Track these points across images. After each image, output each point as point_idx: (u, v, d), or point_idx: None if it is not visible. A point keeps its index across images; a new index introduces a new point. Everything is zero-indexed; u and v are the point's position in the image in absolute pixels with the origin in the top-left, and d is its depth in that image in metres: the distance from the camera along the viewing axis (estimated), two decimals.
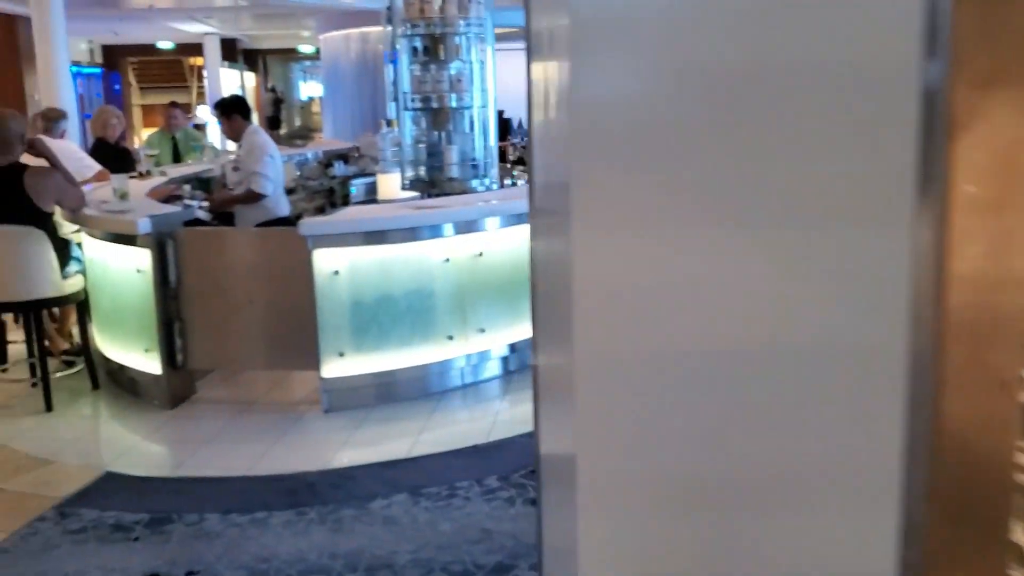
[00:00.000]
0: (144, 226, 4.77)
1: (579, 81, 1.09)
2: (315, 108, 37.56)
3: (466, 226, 5.15)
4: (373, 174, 9.47)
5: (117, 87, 25.76)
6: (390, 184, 7.31)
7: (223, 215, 6.62)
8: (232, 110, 6.17)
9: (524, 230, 5.41)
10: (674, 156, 0.85)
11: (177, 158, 9.31)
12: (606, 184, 1.03)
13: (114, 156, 8.16)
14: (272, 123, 29.39)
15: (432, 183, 6.20)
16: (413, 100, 6.13)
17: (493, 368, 5.46)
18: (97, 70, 24.43)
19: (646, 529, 1.00)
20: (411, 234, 4.95)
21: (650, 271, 0.92)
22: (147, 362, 5.06)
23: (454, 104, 6.07)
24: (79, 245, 5.49)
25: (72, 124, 10.83)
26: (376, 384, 5.02)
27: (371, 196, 9.32)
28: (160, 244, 4.90)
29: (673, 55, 0.85)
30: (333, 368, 4.90)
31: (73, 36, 21.07)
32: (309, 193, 8.92)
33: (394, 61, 6.44)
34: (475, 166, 6.24)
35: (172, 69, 29.09)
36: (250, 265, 5.01)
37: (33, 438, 4.67)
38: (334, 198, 9.26)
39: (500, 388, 5.31)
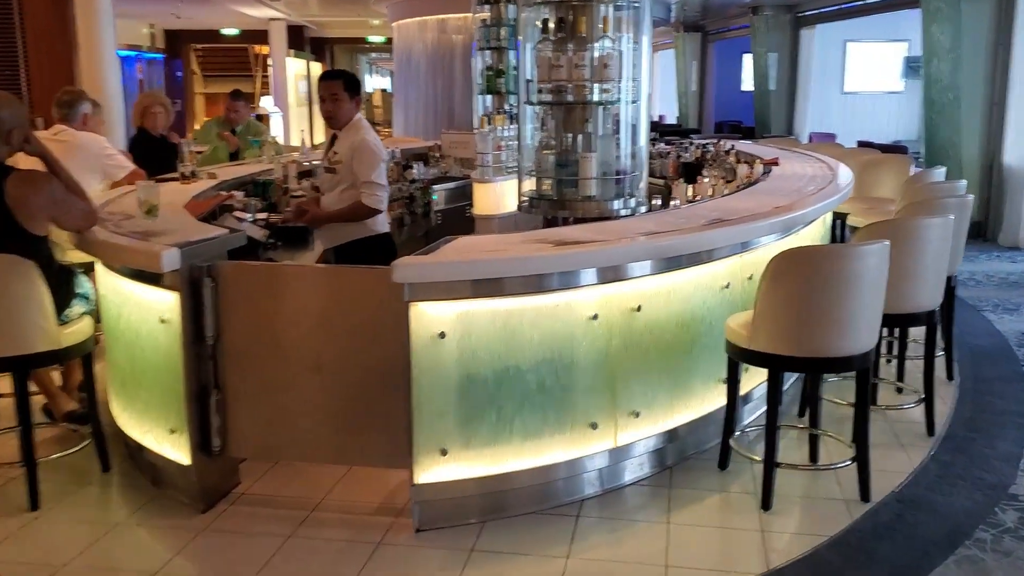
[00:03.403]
0: (170, 260, 3.33)
1: None
2: (376, 101, 36.59)
3: (616, 271, 3.63)
4: (458, 178, 8.04)
5: (179, 74, 24.76)
6: (491, 197, 5.83)
7: (285, 234, 5.19)
8: (355, 89, 4.70)
9: (690, 275, 3.90)
10: None
11: (237, 155, 7.94)
12: None
13: (158, 152, 6.83)
14: None
15: (560, 202, 4.68)
16: (540, 91, 4.62)
17: (643, 465, 3.94)
18: (159, 56, 23.40)
19: None
20: (545, 281, 3.45)
21: None
22: (172, 446, 3.63)
23: (596, 97, 4.54)
24: (87, 274, 4.09)
25: (118, 113, 9.59)
26: (486, 492, 3.53)
27: (454, 204, 7.89)
28: (194, 284, 3.46)
29: None
30: (431, 470, 3.41)
31: (132, 18, 20.02)
32: (389, 200, 7.47)
33: (516, 44, 4.95)
34: (619, 181, 4.71)
35: (236, 57, 28.11)
36: (320, 317, 3.54)
37: (4, 560, 3.26)
38: (414, 207, 7.79)
39: (655, 496, 3.78)
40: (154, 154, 6.76)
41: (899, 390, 5.04)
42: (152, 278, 3.48)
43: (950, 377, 5.25)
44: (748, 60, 17.72)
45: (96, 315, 4.04)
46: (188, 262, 3.41)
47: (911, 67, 15.45)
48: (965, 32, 9.56)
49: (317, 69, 26.85)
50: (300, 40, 23.31)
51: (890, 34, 15.44)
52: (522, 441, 3.50)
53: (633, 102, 4.67)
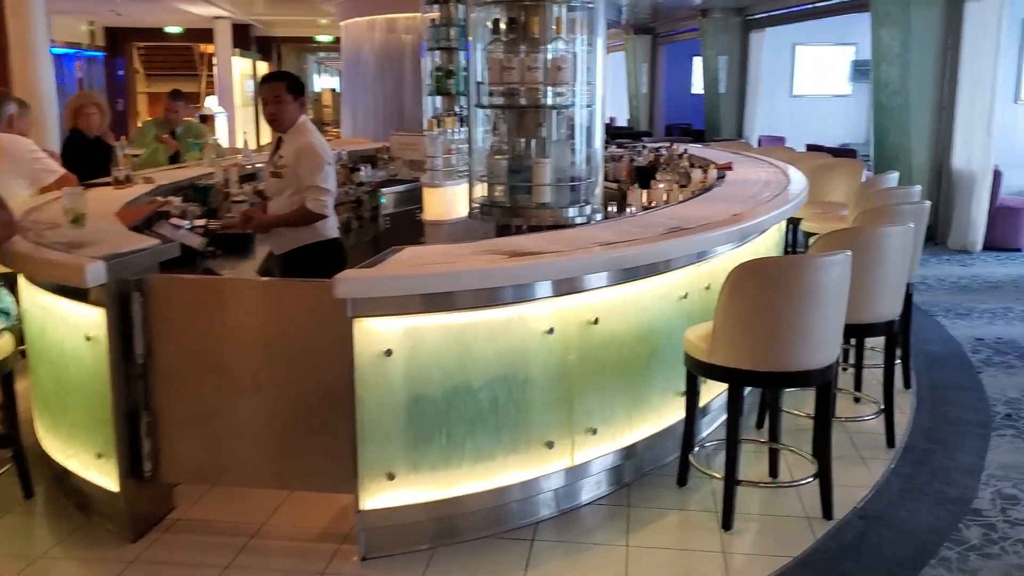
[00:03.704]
0: (95, 274, 3.10)
1: None
2: (325, 101, 36.18)
3: (573, 283, 3.47)
4: (408, 181, 7.85)
5: (121, 72, 24.15)
6: (441, 201, 5.65)
7: (226, 241, 4.96)
8: (299, 91, 4.49)
9: (648, 286, 3.77)
10: None
11: (177, 158, 7.65)
12: None
13: (93, 154, 6.53)
14: None
15: (513, 209, 4.50)
16: (491, 94, 4.44)
17: (600, 484, 3.79)
18: (99, 54, 22.79)
19: None
20: (498, 295, 3.28)
21: None
22: (99, 472, 3.40)
23: (549, 101, 4.38)
24: (9, 288, 3.83)
25: (52, 114, 9.22)
26: (437, 517, 3.35)
27: (403, 208, 7.72)
28: (122, 299, 3.24)
29: None
30: (378, 496, 3.23)
31: (69, 15, 19.44)
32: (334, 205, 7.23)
33: (466, 45, 4.76)
34: (574, 187, 4.55)
35: (181, 56, 27.55)
36: (259, 332, 3.34)
37: None
38: (361, 211, 7.58)
39: (613, 517, 3.64)
40: (88, 157, 6.47)
41: (857, 399, 4.96)
42: (77, 293, 3.25)
43: (907, 385, 5.18)
44: (698, 63, 17.73)
45: (19, 331, 3.79)
46: (115, 275, 3.18)
47: (859, 71, 15.55)
48: (914, 36, 9.59)
49: (264, 69, 26.42)
50: (246, 39, 22.87)
51: (838, 37, 15.55)
52: (473, 463, 3.33)
53: (588, 106, 4.52)
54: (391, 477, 3.21)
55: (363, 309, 3.08)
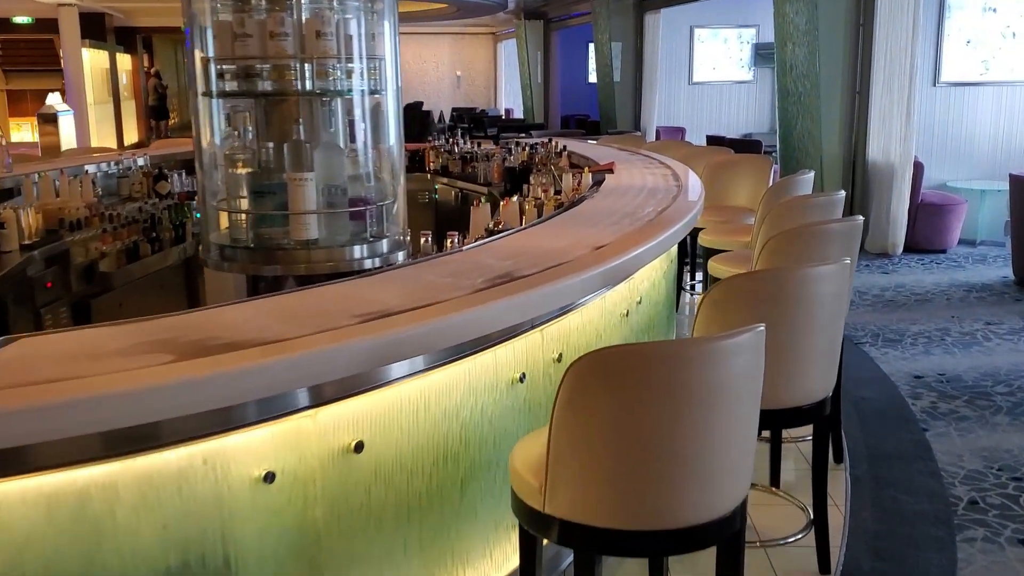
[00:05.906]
0: None
1: None
2: None
3: (309, 394, 2.08)
4: None
5: None
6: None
7: None
8: None
9: (456, 372, 2.40)
10: None
11: None
12: None
13: None
14: (157, 113, 25.77)
15: (265, 252, 3.04)
16: (223, 76, 2.98)
17: None
18: None
19: None
20: (158, 431, 1.85)
21: None
22: None
23: (308, 84, 2.94)
24: None
25: None
26: None
27: None
28: None
29: None
30: None
31: None
32: (114, 226, 5.67)
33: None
34: (361, 213, 3.11)
35: (42, 49, 25.23)
36: None
37: None
38: (159, 231, 6.04)
39: None
40: None
41: (773, 486, 3.69)
42: None
43: (838, 459, 3.94)
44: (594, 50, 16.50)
45: None
46: None
47: (760, 54, 14.51)
48: (822, 11, 8.45)
49: (127, 62, 24.38)
50: (101, 29, 20.80)
51: (738, 19, 14.48)
52: None
53: (374, 92, 3.09)
54: None
55: None
